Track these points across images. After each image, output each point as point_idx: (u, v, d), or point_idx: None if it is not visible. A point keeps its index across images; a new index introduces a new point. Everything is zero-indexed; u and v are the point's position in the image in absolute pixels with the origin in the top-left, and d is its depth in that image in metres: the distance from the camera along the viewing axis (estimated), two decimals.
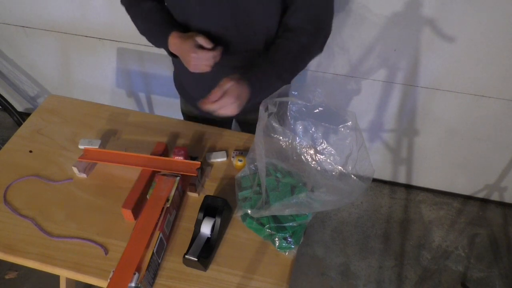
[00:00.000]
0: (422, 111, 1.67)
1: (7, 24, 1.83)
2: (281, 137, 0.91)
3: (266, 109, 0.86)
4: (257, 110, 1.26)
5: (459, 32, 1.36)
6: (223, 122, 1.35)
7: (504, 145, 1.71)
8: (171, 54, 1.05)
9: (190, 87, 1.22)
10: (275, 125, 0.87)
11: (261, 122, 0.86)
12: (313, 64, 1.59)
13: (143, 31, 1.08)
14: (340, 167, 0.87)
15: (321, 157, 0.89)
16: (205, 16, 0.98)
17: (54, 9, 1.69)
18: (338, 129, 0.85)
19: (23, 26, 1.81)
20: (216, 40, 0.99)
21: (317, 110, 0.86)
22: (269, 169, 0.99)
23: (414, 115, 1.69)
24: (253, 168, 1.04)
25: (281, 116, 0.91)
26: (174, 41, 0.99)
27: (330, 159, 0.88)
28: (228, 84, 0.89)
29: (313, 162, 0.90)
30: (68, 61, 1.94)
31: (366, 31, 1.42)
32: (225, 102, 0.89)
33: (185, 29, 1.03)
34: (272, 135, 0.91)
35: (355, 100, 1.69)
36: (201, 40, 0.95)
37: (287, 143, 0.91)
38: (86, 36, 1.77)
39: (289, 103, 0.88)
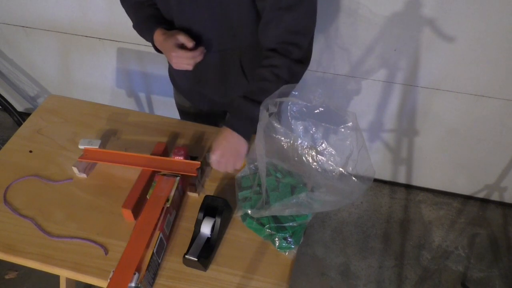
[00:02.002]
0: (422, 111, 1.67)
1: (7, 24, 1.83)
2: (282, 138, 0.90)
3: (267, 109, 0.86)
4: None
5: (459, 32, 1.36)
6: (217, 116, 1.36)
7: (504, 145, 1.71)
8: (157, 50, 1.07)
9: (178, 78, 1.25)
10: (276, 125, 0.87)
11: (261, 122, 0.86)
12: (313, 64, 1.59)
13: (134, 25, 1.09)
14: (340, 168, 0.87)
15: (322, 157, 0.89)
16: (184, 15, 0.99)
17: (54, 9, 1.69)
18: (339, 129, 0.84)
19: (23, 26, 1.81)
20: (197, 39, 1.00)
21: (318, 111, 0.86)
22: (269, 169, 0.99)
23: (414, 115, 1.69)
24: (253, 168, 1.04)
25: (281, 116, 0.91)
26: (158, 38, 1.01)
27: (330, 160, 0.88)
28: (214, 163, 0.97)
29: (314, 163, 0.90)
30: (68, 61, 1.94)
31: (366, 31, 1.42)
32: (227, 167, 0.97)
33: (171, 26, 1.03)
34: (273, 135, 0.91)
35: (355, 100, 1.69)
36: (183, 39, 0.96)
37: (288, 143, 0.90)
38: (86, 36, 1.77)
39: (289, 103, 0.88)
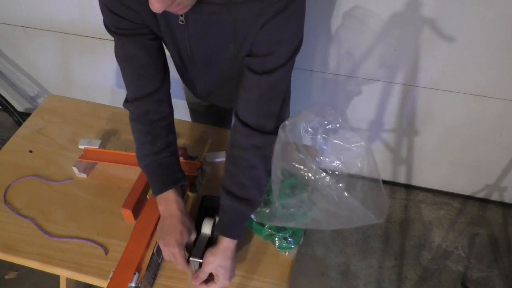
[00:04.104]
0: (422, 111, 1.67)
1: (7, 24, 1.82)
2: (300, 166, 0.88)
3: (283, 128, 0.85)
4: None
5: (459, 32, 1.36)
6: (226, 112, 1.34)
7: (504, 145, 1.71)
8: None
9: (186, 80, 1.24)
10: (294, 153, 0.86)
11: (278, 144, 0.85)
12: (313, 64, 1.59)
13: (141, 149, 0.93)
14: (350, 196, 0.84)
15: (330, 179, 0.87)
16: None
17: (54, 9, 1.69)
18: (351, 147, 0.84)
19: (23, 26, 1.81)
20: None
21: (330, 126, 0.85)
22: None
23: (414, 115, 1.69)
24: None
25: (294, 131, 0.90)
26: (167, 204, 0.90)
27: (340, 183, 0.86)
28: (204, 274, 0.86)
29: (322, 186, 0.88)
30: (68, 61, 1.94)
31: (366, 32, 1.42)
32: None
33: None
34: (289, 160, 0.89)
35: (356, 100, 1.69)
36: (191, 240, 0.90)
37: (304, 170, 0.88)
38: (86, 36, 1.77)
39: (303, 119, 0.87)
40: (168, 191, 0.89)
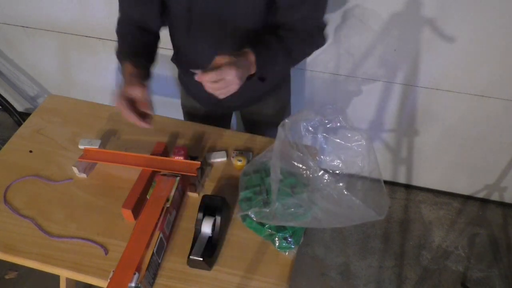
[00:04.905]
0: (422, 111, 1.67)
1: (7, 24, 1.83)
2: (299, 165, 0.88)
3: (283, 126, 0.84)
4: (261, 100, 1.24)
5: (459, 32, 1.36)
6: (224, 115, 1.34)
7: (504, 145, 1.71)
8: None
9: (191, 84, 1.23)
10: (293, 151, 0.86)
11: (278, 147, 0.85)
12: (313, 64, 1.59)
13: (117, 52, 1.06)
14: (350, 195, 0.84)
15: (329, 177, 0.87)
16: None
17: (54, 9, 1.69)
18: (351, 147, 0.84)
19: (23, 26, 1.81)
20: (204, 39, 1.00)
21: (330, 125, 0.85)
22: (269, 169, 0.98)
23: (414, 115, 1.69)
24: (257, 165, 1.03)
25: (295, 129, 0.89)
26: (124, 73, 0.98)
27: (340, 182, 0.86)
28: (223, 64, 0.80)
29: (322, 186, 0.88)
30: (68, 61, 1.94)
31: (366, 31, 1.42)
32: (224, 85, 0.81)
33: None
34: (288, 159, 0.89)
35: (356, 100, 1.69)
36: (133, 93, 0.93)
37: (303, 169, 0.88)
38: (86, 36, 1.77)
39: (303, 117, 0.87)
40: (127, 63, 0.96)
